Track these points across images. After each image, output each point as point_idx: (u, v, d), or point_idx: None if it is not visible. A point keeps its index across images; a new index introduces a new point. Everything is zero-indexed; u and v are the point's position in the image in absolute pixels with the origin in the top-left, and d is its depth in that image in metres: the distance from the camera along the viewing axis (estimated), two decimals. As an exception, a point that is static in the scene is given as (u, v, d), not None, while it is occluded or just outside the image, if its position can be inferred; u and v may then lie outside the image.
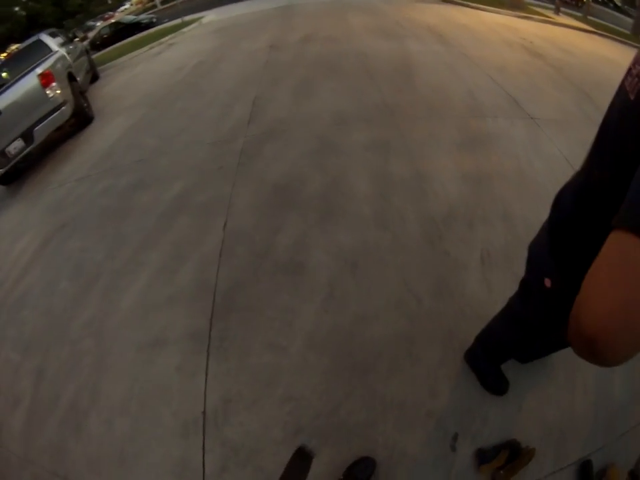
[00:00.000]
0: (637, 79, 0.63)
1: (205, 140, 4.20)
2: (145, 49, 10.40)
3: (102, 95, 7.26)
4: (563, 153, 3.40)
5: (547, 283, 1.03)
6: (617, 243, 0.47)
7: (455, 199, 2.98)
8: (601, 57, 6.59)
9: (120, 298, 2.70)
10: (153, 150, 4.35)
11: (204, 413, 2.01)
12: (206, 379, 2.14)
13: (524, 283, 1.32)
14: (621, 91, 0.70)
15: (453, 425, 1.89)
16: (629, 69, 0.69)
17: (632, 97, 0.63)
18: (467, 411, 1.93)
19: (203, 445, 1.92)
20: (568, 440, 1.87)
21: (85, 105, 6.04)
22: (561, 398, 1.98)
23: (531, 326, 1.38)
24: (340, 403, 1.97)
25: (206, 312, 2.45)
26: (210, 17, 12.32)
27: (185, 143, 4.28)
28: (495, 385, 1.99)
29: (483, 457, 1.79)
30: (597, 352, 0.46)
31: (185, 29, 11.28)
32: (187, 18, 12.95)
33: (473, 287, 2.41)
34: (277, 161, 3.55)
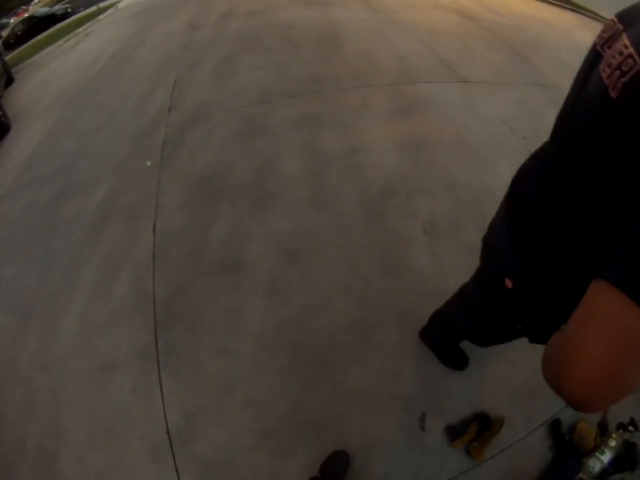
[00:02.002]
0: (618, 72, 0.52)
1: (126, 135, 3.78)
2: (61, 42, 9.51)
3: (18, 99, 6.47)
4: (500, 114, 3.25)
5: (508, 283, 0.89)
6: (605, 301, 0.42)
7: (392, 170, 2.79)
8: (533, 17, 6.46)
9: (60, 324, 2.40)
10: (73, 153, 3.89)
11: (168, 433, 1.85)
12: (162, 397, 1.96)
13: (481, 278, 1.17)
14: (595, 79, 0.60)
15: (419, 405, 1.83)
16: (598, 52, 0.62)
17: (614, 95, 0.52)
18: (431, 389, 1.87)
19: (176, 467, 1.77)
20: (535, 403, 1.85)
21: (0, 113, 5.36)
22: (523, 362, 1.93)
23: (487, 317, 1.25)
24: (302, 400, 1.86)
25: (148, 325, 2.22)
26: (126, 1, 11.39)
27: (104, 141, 3.85)
28: (455, 360, 1.93)
29: (453, 432, 1.78)
30: (577, 408, 0.45)
31: (101, 17, 10.38)
32: (103, 4, 12.01)
33: (420, 260, 2.28)
34: (202, 150, 3.21)
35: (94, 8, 12.00)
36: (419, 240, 2.37)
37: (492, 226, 1.00)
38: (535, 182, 0.81)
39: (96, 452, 1.89)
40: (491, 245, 1.02)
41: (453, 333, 1.77)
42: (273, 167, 2.90)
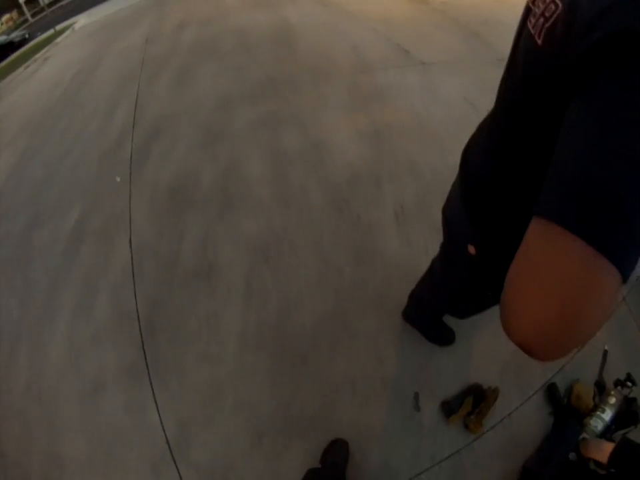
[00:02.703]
0: (542, 19, 0.51)
1: (93, 156, 3.73)
2: (21, 69, 9.26)
3: (-19, 132, 6.36)
4: (460, 94, 3.27)
5: (471, 250, 0.89)
6: (541, 237, 0.38)
7: (357, 160, 2.80)
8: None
9: (47, 352, 2.36)
10: (42, 181, 3.82)
11: (168, 443, 1.85)
12: (158, 409, 1.95)
13: (444, 250, 1.19)
14: (525, 33, 0.59)
15: (409, 386, 1.83)
16: (529, 8, 0.60)
17: (539, 42, 0.51)
18: (419, 368, 1.87)
19: (180, 476, 1.77)
20: (527, 369, 1.85)
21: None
22: None
23: (456, 292, 1.27)
24: (291, 396, 1.86)
25: (135, 341, 2.21)
26: (82, 20, 11.17)
27: (72, 165, 3.79)
28: (440, 336, 1.92)
29: (449, 408, 1.76)
30: (531, 356, 0.40)
31: (58, 39, 10.15)
32: (60, 26, 11.73)
33: (392, 245, 2.30)
34: (167, 161, 3.20)
35: (51, 31, 11.74)
36: (389, 225, 2.39)
37: (449, 197, 1.01)
38: (481, 148, 0.83)
39: (98, 475, 1.88)
40: (449, 215, 1.03)
41: (429, 310, 1.77)
42: (237, 171, 2.90)
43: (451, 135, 2.83)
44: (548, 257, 0.36)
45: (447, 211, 1.04)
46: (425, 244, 2.25)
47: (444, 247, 1.18)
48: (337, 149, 2.90)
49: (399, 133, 2.99)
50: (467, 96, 3.22)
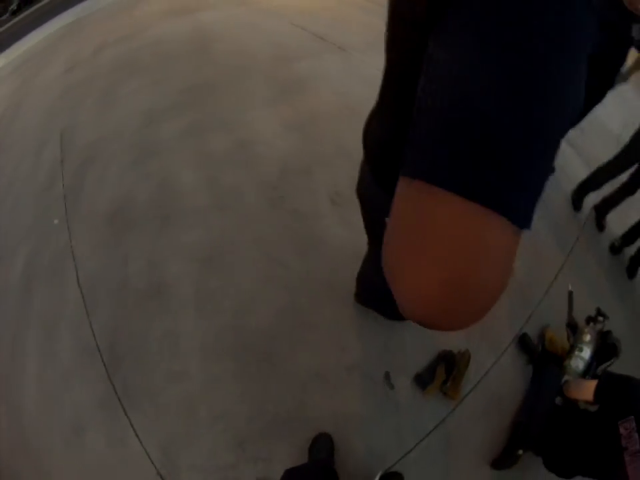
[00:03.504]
0: None
1: (28, 199, 3.58)
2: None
3: None
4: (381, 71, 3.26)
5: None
6: (408, 199, 0.32)
7: (285, 153, 2.80)
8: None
9: (22, 404, 2.30)
10: (-18, 233, 3.69)
11: (156, 469, 1.82)
12: (138, 437, 1.93)
13: (368, 229, 1.18)
14: None
15: (378, 367, 1.83)
16: None
17: None
18: (384, 347, 1.87)
19: None
20: (493, 326, 1.87)
21: None
22: None
23: None
24: (264, 398, 1.86)
25: (101, 374, 2.17)
26: (1, 62, 10.67)
27: (9, 212, 3.65)
28: (396, 311, 1.90)
29: (422, 380, 1.77)
30: (435, 329, 0.33)
31: (-21, 85, 9.69)
32: (-21, 72, 11.13)
33: (333, 232, 2.31)
34: (101, 189, 3.11)
35: (-30, 78, 11.13)
36: (327, 212, 2.40)
37: (360, 177, 1.01)
38: (376, 113, 0.84)
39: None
40: (363, 193, 1.02)
41: (377, 288, 1.71)
42: (170, 184, 2.85)
43: (374, 111, 2.82)
44: (420, 220, 0.30)
45: (360, 191, 1.04)
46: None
47: (366, 223, 1.18)
48: (264, 145, 2.88)
49: (324, 118, 3.00)
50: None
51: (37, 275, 2.87)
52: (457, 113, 0.29)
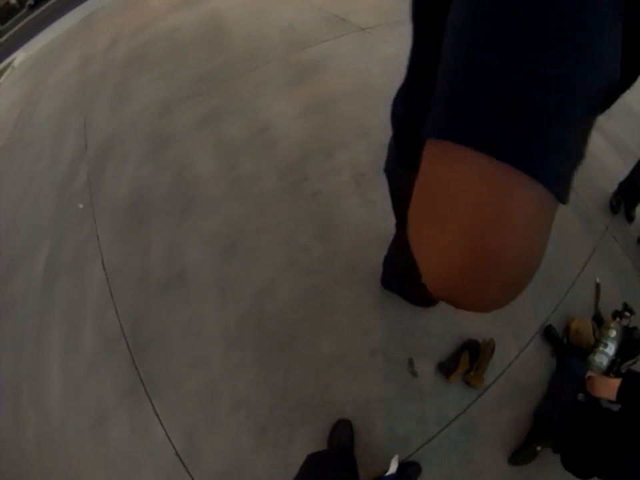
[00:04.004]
0: None
1: (50, 191, 3.64)
2: (-33, 121, 9.01)
3: None
4: (402, 49, 3.16)
5: None
6: (432, 160, 0.28)
7: (305, 136, 2.75)
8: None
9: (48, 396, 2.34)
10: (6, 230, 3.75)
11: (177, 455, 1.84)
12: (162, 424, 1.94)
13: (395, 209, 1.14)
14: None
15: (400, 352, 1.80)
16: None
17: None
18: (407, 333, 1.84)
19: None
20: (519, 316, 1.82)
21: None
22: None
23: None
24: (285, 384, 1.85)
25: (126, 362, 2.19)
26: (20, 57, 10.82)
27: (31, 206, 3.71)
28: (421, 297, 1.85)
29: (446, 368, 1.73)
30: (462, 307, 0.30)
31: (0, 80, 9.87)
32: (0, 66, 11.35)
33: (356, 213, 2.26)
34: (121, 180, 3.14)
35: (-9, 75, 11.35)
36: (350, 193, 2.35)
37: (387, 155, 0.97)
38: (401, 90, 0.81)
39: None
40: (390, 171, 0.99)
41: (403, 272, 1.68)
42: (189, 173, 2.85)
43: (396, 90, 2.74)
44: (442, 183, 0.27)
45: (387, 168, 1.01)
46: (386, 206, 2.23)
47: (394, 207, 1.14)
48: (284, 128, 2.85)
49: (343, 99, 2.94)
50: (407, 52, 3.12)
51: (60, 265, 2.92)
52: (480, 60, 0.26)
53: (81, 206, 3.18)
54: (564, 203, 0.27)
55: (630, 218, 2.25)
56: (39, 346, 2.61)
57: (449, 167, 0.26)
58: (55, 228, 3.26)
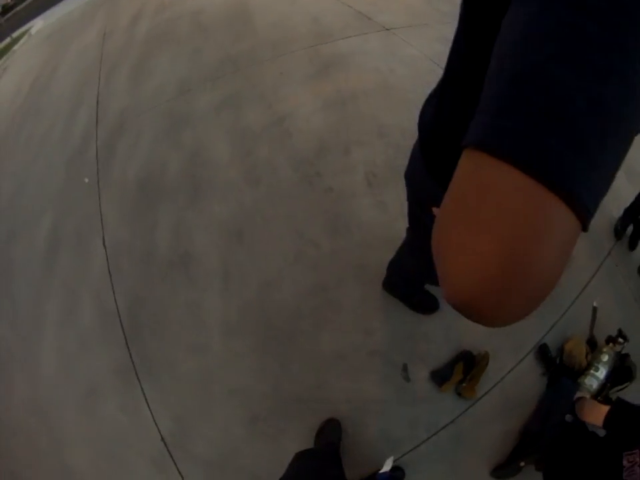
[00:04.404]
0: None
1: (59, 160, 3.60)
2: (-19, 84, 8.98)
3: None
4: (425, 53, 3.15)
5: (436, 212, 0.83)
6: (468, 169, 0.29)
7: (323, 130, 2.71)
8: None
9: (39, 364, 2.32)
10: (12, 193, 3.70)
11: (163, 440, 1.83)
12: (149, 407, 1.93)
13: (412, 214, 1.15)
14: None
15: (397, 356, 1.81)
16: None
17: None
18: (406, 337, 1.85)
19: (179, 472, 1.76)
20: (516, 331, 1.82)
21: None
22: None
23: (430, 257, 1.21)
24: (281, 377, 1.85)
25: (119, 341, 2.17)
26: (38, 24, 10.73)
27: (39, 173, 3.67)
28: (423, 304, 1.88)
29: (439, 377, 1.75)
30: (477, 320, 0.31)
31: (16, 47, 9.81)
32: (16, 34, 11.29)
33: (368, 213, 2.24)
34: (133, 155, 3.09)
35: (8, 40, 11.29)
36: (363, 193, 2.33)
37: (410, 159, 0.97)
38: (433, 96, 0.80)
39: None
40: (410, 177, 0.99)
41: (410, 277, 1.71)
42: (203, 155, 2.80)
43: (417, 93, 2.70)
44: (478, 191, 0.28)
45: (408, 174, 1.00)
46: (401, 208, 2.17)
47: (410, 211, 1.14)
48: (303, 121, 2.80)
49: (364, 97, 2.89)
50: (432, 55, 3.10)
51: (63, 237, 2.88)
52: (526, 77, 0.27)
53: (87, 180, 3.14)
54: (585, 230, 0.28)
55: (633, 245, 2.22)
56: (36, 312, 2.58)
57: (496, 175, 0.27)
58: (60, 199, 3.22)
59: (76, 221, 2.92)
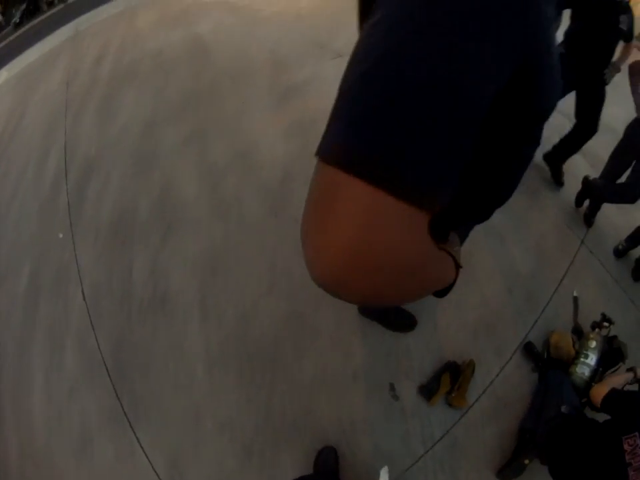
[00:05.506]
0: None
1: (32, 210, 3.51)
2: (-50, 136, 8.69)
3: None
4: None
5: None
6: (314, 175, 0.34)
7: (286, 158, 2.72)
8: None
9: (31, 414, 2.23)
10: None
11: None
12: (144, 452, 1.86)
13: None
14: None
15: (382, 375, 1.78)
16: None
17: None
18: (388, 355, 1.82)
19: None
20: (497, 334, 1.82)
21: None
22: (469, 300, 1.89)
23: None
24: (269, 406, 1.80)
25: (107, 387, 2.10)
26: (3, 76, 10.56)
27: (14, 224, 3.56)
28: (400, 323, 1.87)
29: (427, 390, 1.72)
30: (346, 298, 0.36)
31: (-17, 97, 9.58)
32: (-17, 83, 11.03)
33: None
34: (104, 199, 3.04)
35: (-25, 92, 11.01)
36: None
37: None
38: None
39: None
40: None
41: None
42: (171, 193, 2.78)
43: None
44: (320, 191, 0.32)
45: None
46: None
47: None
48: (266, 151, 2.80)
49: (323, 122, 2.89)
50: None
51: (42, 287, 2.80)
52: (343, 93, 0.33)
53: (61, 235, 3.06)
54: (423, 208, 0.30)
55: (589, 222, 2.29)
56: (21, 365, 2.50)
57: (323, 177, 0.32)
58: (37, 248, 3.14)
59: (53, 270, 2.85)
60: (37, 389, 2.31)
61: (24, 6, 14.91)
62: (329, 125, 0.34)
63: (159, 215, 2.67)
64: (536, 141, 0.57)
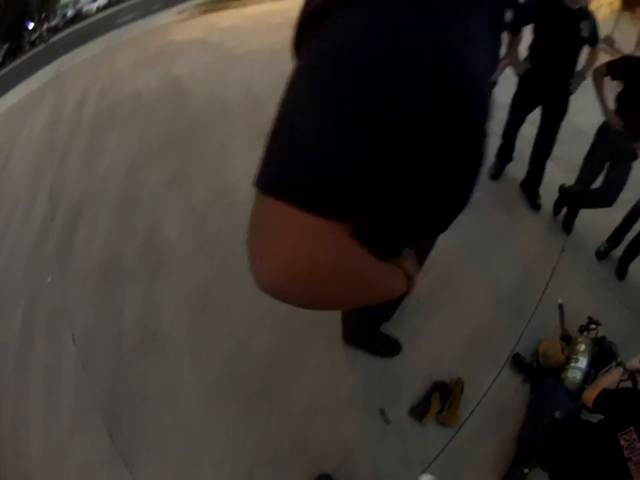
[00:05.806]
0: None
1: (23, 252, 3.52)
2: None
3: None
4: None
5: None
6: (254, 203, 0.40)
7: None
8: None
9: (29, 461, 2.20)
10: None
11: None
12: None
13: None
14: None
15: (372, 400, 1.80)
16: None
17: None
18: (377, 380, 1.85)
19: None
20: (484, 349, 1.84)
21: None
22: (452, 320, 1.91)
23: None
24: (264, 439, 1.81)
25: (103, 433, 2.09)
26: (-11, 115, 10.49)
27: (5, 265, 3.57)
28: (386, 348, 1.90)
29: (418, 412, 1.72)
30: (288, 301, 0.41)
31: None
32: (-34, 128, 10.88)
33: None
34: (91, 244, 3.10)
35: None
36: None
37: None
38: None
39: None
40: None
41: (364, 321, 1.69)
42: (157, 235, 2.85)
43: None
44: (255, 214, 0.39)
45: None
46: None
47: None
48: (246, 190, 2.86)
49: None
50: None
51: (34, 330, 2.80)
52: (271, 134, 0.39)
53: (49, 279, 3.10)
54: (337, 220, 0.36)
55: (567, 228, 2.33)
56: (17, 409, 2.48)
57: (260, 204, 0.38)
58: (28, 292, 3.15)
59: (46, 313, 2.86)
60: (33, 434, 2.30)
61: (7, 45, 14.89)
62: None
63: (146, 257, 2.73)
64: (478, 156, 0.57)
